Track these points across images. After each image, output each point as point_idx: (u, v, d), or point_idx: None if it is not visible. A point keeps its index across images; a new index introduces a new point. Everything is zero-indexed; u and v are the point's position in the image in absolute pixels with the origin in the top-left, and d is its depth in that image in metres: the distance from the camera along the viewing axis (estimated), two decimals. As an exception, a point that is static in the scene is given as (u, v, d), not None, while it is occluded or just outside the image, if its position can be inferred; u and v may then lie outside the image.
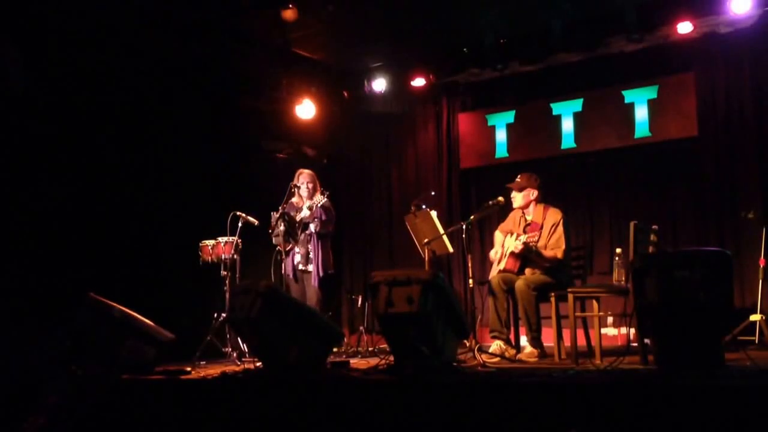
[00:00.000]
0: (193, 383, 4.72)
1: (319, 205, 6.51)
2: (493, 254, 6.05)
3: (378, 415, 3.90)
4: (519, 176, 5.98)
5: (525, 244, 5.59)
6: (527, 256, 5.68)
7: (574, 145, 7.63)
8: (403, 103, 8.47)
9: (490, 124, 8.16)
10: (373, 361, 5.04)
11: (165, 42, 6.86)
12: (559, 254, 5.62)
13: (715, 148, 6.95)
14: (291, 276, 6.64)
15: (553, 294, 5.46)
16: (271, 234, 6.55)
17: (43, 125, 6.07)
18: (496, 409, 3.61)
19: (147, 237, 6.74)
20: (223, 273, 6.37)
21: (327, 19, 6.95)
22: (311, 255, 6.60)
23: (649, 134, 7.25)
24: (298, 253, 6.61)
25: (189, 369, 5.15)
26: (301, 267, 6.62)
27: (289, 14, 6.61)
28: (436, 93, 8.38)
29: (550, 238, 5.68)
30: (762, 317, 5.98)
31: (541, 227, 5.74)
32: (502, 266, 5.79)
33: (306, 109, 8.01)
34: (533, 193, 5.89)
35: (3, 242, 5.77)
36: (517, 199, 5.95)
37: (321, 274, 6.57)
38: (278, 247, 6.50)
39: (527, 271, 5.72)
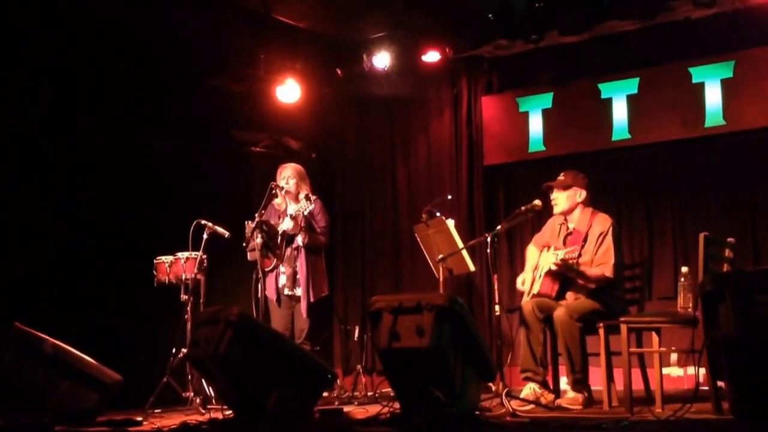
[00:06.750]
0: (145, 437, 4.74)
1: (305, 212, 6.48)
2: (520, 282, 6.02)
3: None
4: (562, 174, 5.97)
5: (563, 260, 5.58)
6: (566, 276, 5.68)
7: (629, 136, 7.64)
8: (412, 83, 8.49)
9: (522, 109, 8.18)
10: (374, 409, 5.03)
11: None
12: (608, 272, 5.60)
13: (807, 141, 6.97)
14: (274, 300, 6.64)
15: (601, 324, 5.45)
16: (245, 248, 6.56)
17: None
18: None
19: (88, 252, 6.75)
20: (184, 297, 6.38)
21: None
22: (299, 276, 6.60)
23: (723, 122, 7.26)
24: (283, 273, 6.62)
25: (140, 419, 5.17)
26: (287, 291, 6.62)
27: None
28: (453, 70, 8.41)
29: (596, 252, 5.66)
30: None
31: (585, 238, 5.72)
32: (536, 289, 5.79)
33: (289, 91, 8.05)
34: (581, 194, 5.86)
35: None
36: (560, 200, 5.91)
37: (312, 299, 6.58)
38: (257, 264, 6.49)
39: (569, 295, 5.71)
